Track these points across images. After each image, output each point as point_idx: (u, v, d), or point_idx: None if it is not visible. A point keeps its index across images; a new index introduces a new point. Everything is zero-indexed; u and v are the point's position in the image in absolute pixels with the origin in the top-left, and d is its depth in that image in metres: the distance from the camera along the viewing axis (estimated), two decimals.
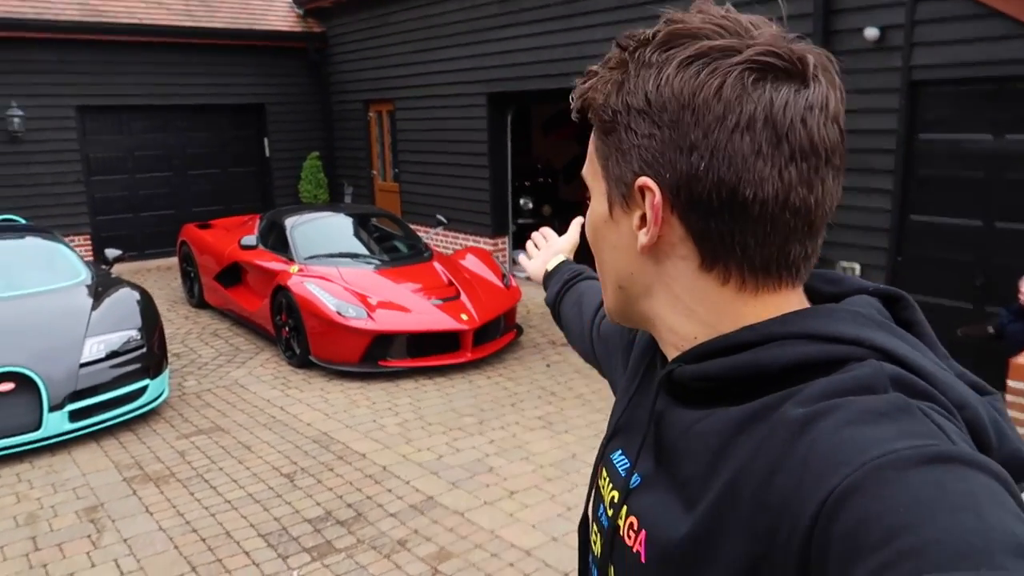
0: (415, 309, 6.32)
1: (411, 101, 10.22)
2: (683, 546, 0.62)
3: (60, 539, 3.76)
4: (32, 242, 6.14)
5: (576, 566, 1.02)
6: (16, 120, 9.51)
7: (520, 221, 10.75)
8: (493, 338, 6.60)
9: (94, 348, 5.04)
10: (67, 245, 6.25)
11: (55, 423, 4.74)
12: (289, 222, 7.39)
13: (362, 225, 8.01)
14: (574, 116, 0.74)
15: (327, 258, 6.98)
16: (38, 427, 4.68)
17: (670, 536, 0.64)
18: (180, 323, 7.89)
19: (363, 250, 7.39)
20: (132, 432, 5.12)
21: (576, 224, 1.44)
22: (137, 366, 5.20)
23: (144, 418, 5.33)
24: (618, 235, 0.71)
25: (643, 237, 0.67)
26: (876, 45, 5.49)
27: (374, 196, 11.54)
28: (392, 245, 7.69)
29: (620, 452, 0.80)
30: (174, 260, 9.57)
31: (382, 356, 6.16)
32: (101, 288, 5.67)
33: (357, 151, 11.68)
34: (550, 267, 1.43)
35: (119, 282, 5.90)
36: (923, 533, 0.45)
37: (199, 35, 10.66)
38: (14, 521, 3.94)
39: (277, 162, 11.90)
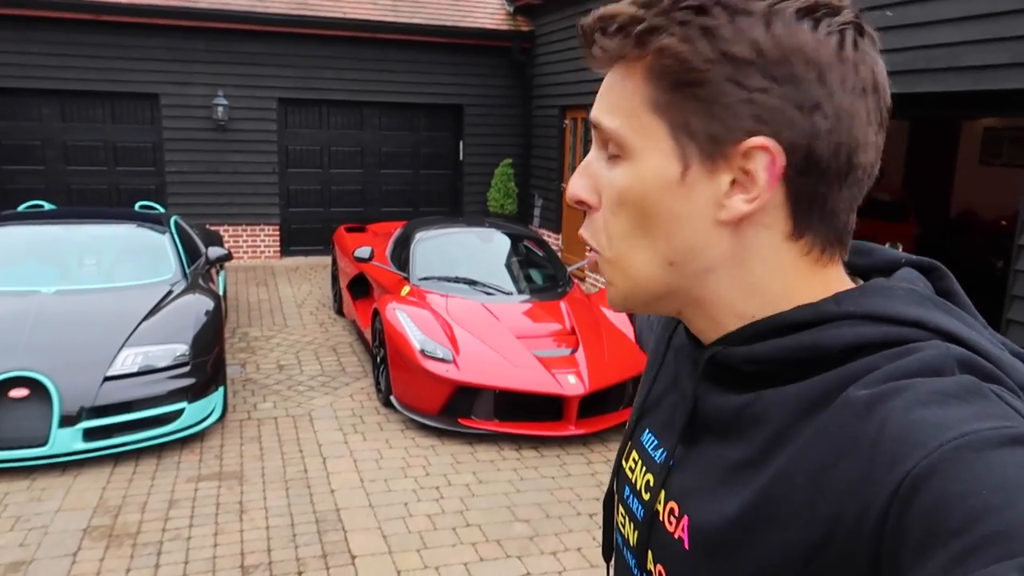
0: (514, 360, 5.12)
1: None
2: (731, 532, 0.61)
3: None
4: (132, 231, 5.87)
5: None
6: (220, 109, 9.78)
7: None
8: (613, 409, 5.19)
9: (128, 360, 4.51)
10: (174, 238, 5.89)
11: (64, 440, 4.25)
12: (419, 236, 6.56)
13: (500, 247, 6.93)
14: (600, 60, 0.65)
15: (441, 281, 6.03)
16: (45, 442, 4.22)
17: (716, 522, 0.63)
18: (312, 330, 7.42)
19: (487, 277, 6.29)
20: (156, 460, 4.53)
21: None
22: (176, 386, 4.60)
23: (183, 443, 4.73)
24: (687, 203, 0.63)
25: (742, 204, 0.62)
26: None
27: (561, 210, 10.46)
28: (527, 274, 6.54)
29: (649, 434, 0.79)
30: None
31: (465, 412, 5.05)
32: (178, 292, 5.20)
33: (550, 161, 10.67)
34: None
35: (199, 287, 5.40)
36: (1009, 516, 0.44)
37: (403, 31, 10.31)
38: None
39: (470, 167, 11.28)
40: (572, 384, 4.96)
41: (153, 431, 4.54)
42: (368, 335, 6.25)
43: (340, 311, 7.90)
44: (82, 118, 9.74)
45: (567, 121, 10.21)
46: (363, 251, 6.44)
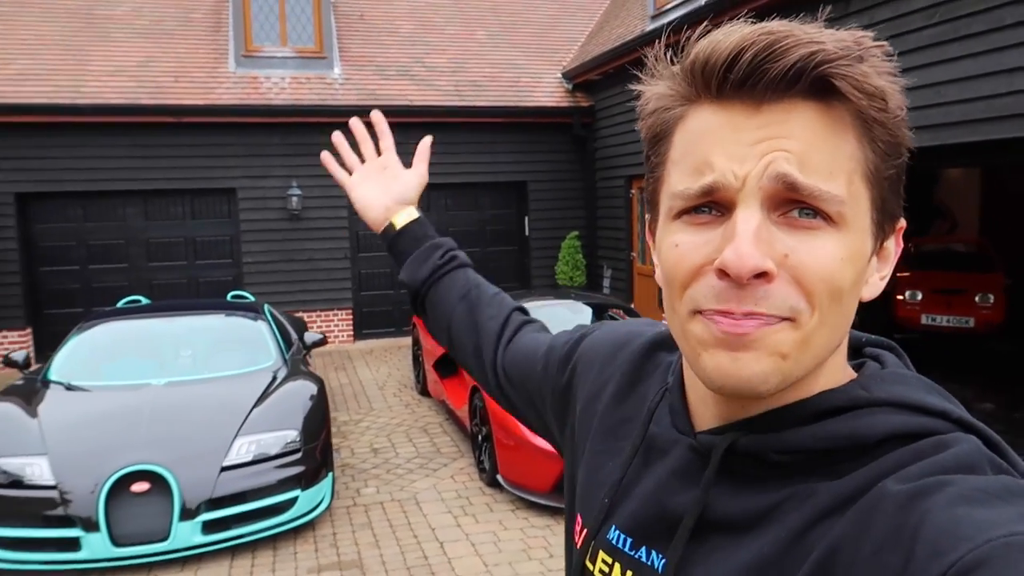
0: None
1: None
2: None
3: None
4: (231, 321, 5.95)
5: None
6: (295, 199, 10.05)
7: None
8: None
9: (243, 449, 4.47)
10: (271, 325, 5.95)
11: (185, 534, 4.19)
12: None
13: (595, 317, 6.86)
14: (770, 90, 0.57)
15: None
16: (166, 537, 4.16)
17: None
18: (398, 412, 7.36)
19: None
20: (273, 551, 4.43)
21: (426, 148, 1.25)
22: (289, 473, 4.54)
23: (296, 533, 4.63)
24: (863, 281, 0.62)
25: (879, 283, 0.64)
26: None
27: (632, 280, 10.38)
28: None
29: (618, 532, 0.72)
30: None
31: None
32: (280, 378, 5.20)
33: (617, 231, 10.66)
34: (398, 220, 1.17)
35: (301, 372, 5.40)
36: None
37: (467, 114, 10.57)
38: None
39: (536, 241, 11.34)
40: None
41: (269, 521, 4.45)
42: (464, 413, 6.15)
43: (424, 391, 7.83)
44: (163, 215, 10.09)
45: (633, 191, 10.24)
46: None
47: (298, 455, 4.60)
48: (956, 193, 11.35)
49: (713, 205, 0.59)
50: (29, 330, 9.56)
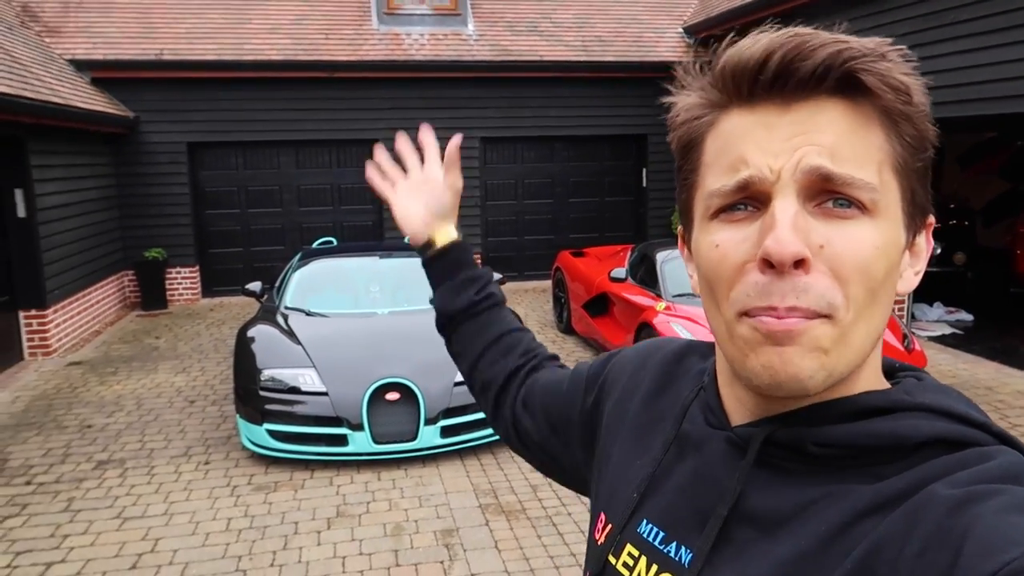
0: None
1: None
2: None
3: (417, 559, 3.87)
4: (414, 262, 6.69)
5: None
6: None
7: (927, 269, 9.21)
8: None
9: None
10: None
11: (429, 436, 5.02)
12: (660, 256, 7.13)
13: None
14: (801, 87, 0.58)
15: (696, 297, 6.52)
16: (415, 438, 4.99)
17: None
18: (547, 347, 8.09)
19: None
20: (493, 456, 5.23)
21: (454, 153, 1.11)
22: None
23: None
24: (898, 273, 0.62)
25: (913, 278, 0.64)
26: None
27: None
28: None
29: (650, 525, 0.71)
30: (548, 283, 9.97)
31: None
32: None
33: None
34: (438, 239, 1.11)
35: None
36: None
37: (593, 69, 11.05)
38: (383, 529, 4.18)
39: (653, 193, 11.85)
40: None
41: (490, 430, 5.25)
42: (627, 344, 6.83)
43: (568, 330, 8.55)
44: (313, 164, 10.94)
45: None
46: (619, 271, 7.08)
47: None
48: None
49: (749, 201, 0.60)
50: (198, 267, 10.61)
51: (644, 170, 11.87)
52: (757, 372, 0.60)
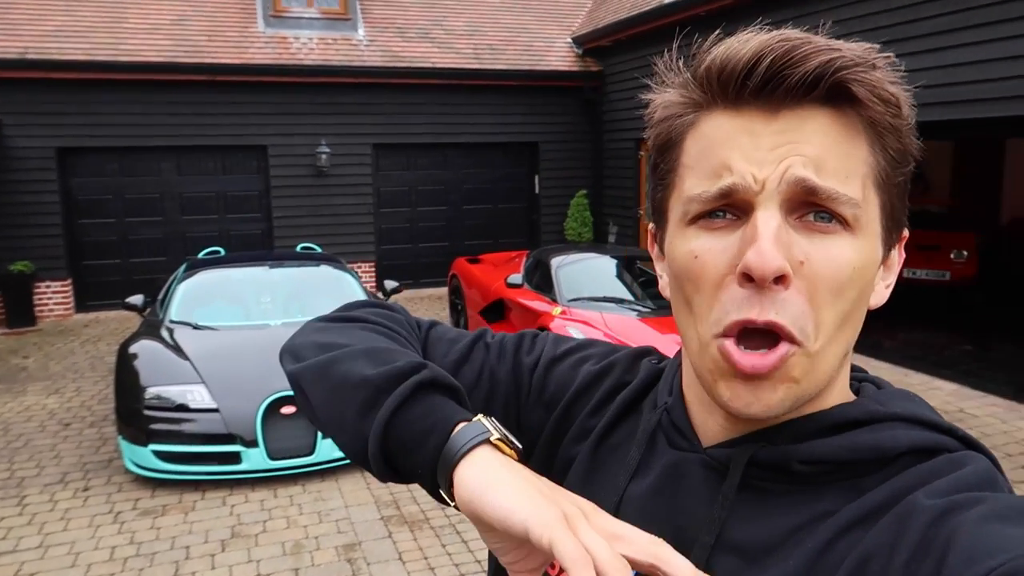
0: None
1: None
2: None
3: (319, 575, 3.78)
4: (323, 270, 6.57)
5: None
6: (323, 156, 10.54)
7: None
8: None
9: None
10: (352, 274, 6.61)
11: (327, 450, 4.90)
12: (555, 262, 7.26)
13: (627, 268, 7.65)
14: (789, 95, 0.57)
15: (591, 301, 6.72)
16: (312, 452, 4.87)
17: None
18: None
19: (628, 295, 7.01)
20: None
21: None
22: None
23: None
24: (872, 286, 0.61)
25: (884, 292, 0.64)
26: None
27: (639, 236, 11.20)
28: (657, 291, 7.24)
29: None
30: (445, 291, 9.96)
31: None
32: None
33: (625, 190, 11.43)
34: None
35: None
36: None
37: (484, 76, 11.12)
38: (282, 548, 4.05)
39: (545, 199, 12.04)
40: None
41: None
42: None
43: None
44: (196, 171, 10.49)
45: (642, 152, 10.99)
46: (515, 277, 7.16)
47: None
48: (929, 161, 12.37)
49: (729, 209, 0.59)
50: (70, 280, 9.96)
51: (536, 177, 12.05)
52: (726, 401, 0.59)
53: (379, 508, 4.51)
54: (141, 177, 10.26)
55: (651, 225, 0.70)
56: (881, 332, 7.91)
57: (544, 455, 0.80)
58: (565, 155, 12.00)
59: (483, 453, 0.61)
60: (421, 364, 0.71)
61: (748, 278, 0.56)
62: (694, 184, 0.60)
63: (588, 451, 0.76)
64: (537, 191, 12.09)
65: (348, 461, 5.01)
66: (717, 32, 0.62)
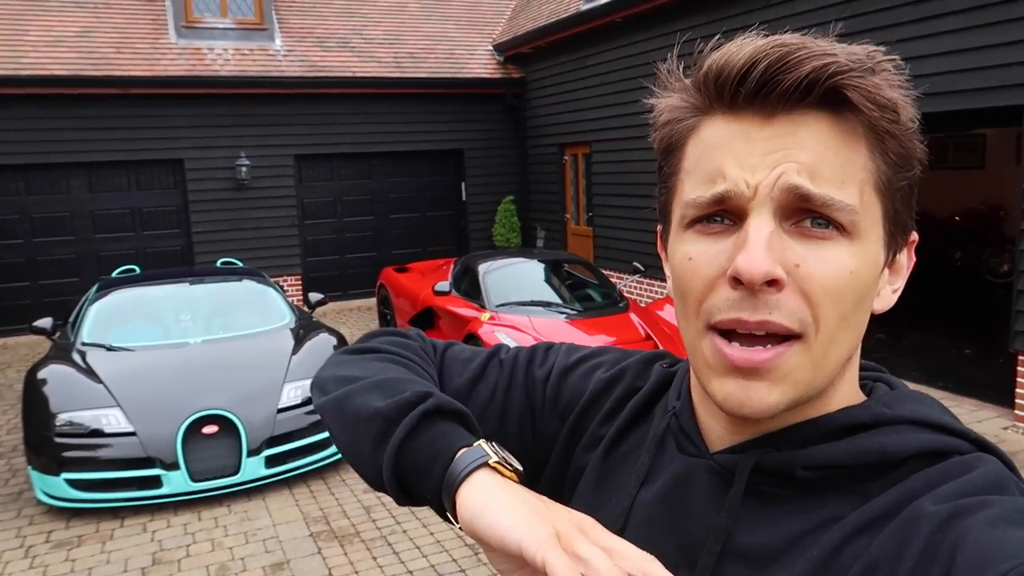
0: None
1: (607, 144, 9.91)
2: None
3: None
4: (244, 285, 6.42)
5: None
6: (243, 169, 10.30)
7: None
8: None
9: (291, 393, 5.07)
10: (275, 288, 6.48)
11: (252, 468, 4.78)
12: (482, 268, 7.27)
13: (555, 272, 7.72)
14: (783, 101, 0.57)
15: (519, 306, 6.75)
16: (237, 471, 4.74)
17: None
18: None
19: (556, 298, 7.08)
20: (323, 481, 5.07)
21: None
22: None
23: (335, 466, 5.28)
24: (875, 293, 0.61)
25: (891, 296, 0.63)
26: None
27: (566, 240, 11.31)
28: (586, 294, 7.33)
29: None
30: (374, 301, 9.85)
31: None
32: (302, 332, 5.77)
33: (551, 195, 11.54)
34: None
35: (319, 326, 5.99)
36: None
37: (406, 85, 11.07)
38: (206, 572, 3.93)
39: (473, 206, 12.05)
40: None
41: (316, 455, 5.09)
42: None
43: None
44: (108, 187, 10.11)
45: (566, 157, 11.12)
46: (443, 285, 7.13)
47: None
48: None
49: (725, 214, 0.59)
50: None
51: (463, 184, 12.05)
52: (719, 399, 0.59)
53: (308, 524, 4.42)
54: (50, 195, 9.83)
55: (659, 227, 0.71)
56: None
57: (558, 463, 0.81)
58: (491, 162, 12.04)
59: (482, 476, 0.63)
60: (427, 393, 0.72)
61: (738, 281, 0.56)
62: (691, 189, 0.61)
63: (599, 459, 0.76)
64: (464, 198, 12.09)
65: (276, 479, 4.91)
66: (717, 36, 0.62)
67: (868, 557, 0.54)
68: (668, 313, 6.83)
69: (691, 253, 0.60)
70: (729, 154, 0.58)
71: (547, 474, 0.81)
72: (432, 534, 4.25)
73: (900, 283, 0.64)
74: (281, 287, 8.66)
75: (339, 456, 5.27)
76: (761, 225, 0.56)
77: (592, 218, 10.55)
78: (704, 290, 0.59)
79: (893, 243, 0.61)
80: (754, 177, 0.57)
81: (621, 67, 9.41)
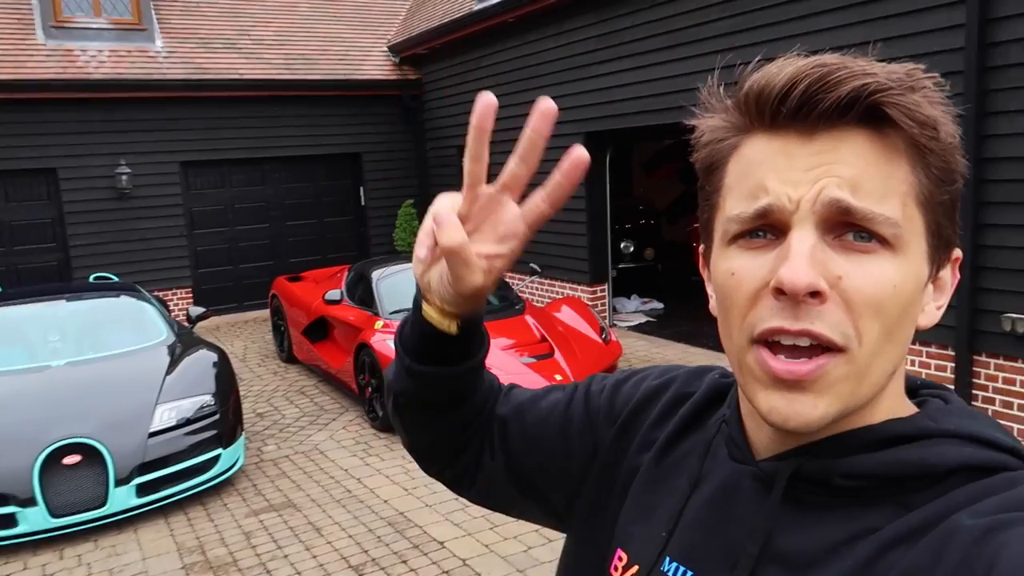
0: (503, 368, 5.78)
1: (506, 144, 9.77)
2: None
3: None
4: (116, 301, 6.04)
5: None
6: (124, 177, 9.75)
7: (621, 266, 10.17)
8: None
9: (165, 415, 4.77)
10: (153, 303, 6.11)
11: (121, 498, 4.47)
12: (376, 275, 7.07)
13: None
14: (822, 117, 0.57)
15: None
16: (104, 503, 4.41)
17: None
18: (268, 379, 7.68)
19: None
20: (202, 506, 4.79)
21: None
22: (209, 434, 4.90)
23: (217, 489, 5.00)
24: (919, 307, 0.61)
25: (936, 312, 0.63)
26: None
27: None
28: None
29: (674, 564, 0.68)
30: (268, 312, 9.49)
31: None
32: (180, 349, 5.46)
33: None
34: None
35: (198, 342, 5.68)
36: None
37: (298, 87, 10.74)
38: None
39: (373, 211, 11.79)
40: (560, 380, 5.71)
41: (195, 480, 4.81)
42: (345, 371, 6.67)
43: (291, 358, 8.19)
44: None
45: None
46: (333, 293, 6.89)
47: (216, 417, 4.96)
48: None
49: (768, 229, 0.60)
50: None
51: (362, 188, 11.78)
52: (764, 413, 0.60)
53: (182, 556, 4.15)
54: None
55: (701, 247, 0.71)
56: (698, 319, 8.35)
57: (606, 462, 0.83)
58: (390, 165, 11.81)
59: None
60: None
61: (781, 292, 0.57)
62: (734, 204, 0.62)
63: (652, 461, 0.78)
64: (363, 203, 11.82)
65: (146, 508, 4.60)
66: (758, 59, 0.63)
67: (902, 569, 0.55)
68: (565, 315, 6.81)
69: (734, 268, 0.61)
70: (771, 170, 0.59)
71: (594, 472, 0.84)
72: (315, 557, 4.06)
73: (944, 300, 0.64)
74: (165, 302, 8.23)
75: (224, 477, 5.00)
76: (804, 237, 0.57)
77: None
78: (747, 303, 0.60)
79: (936, 257, 0.62)
80: (796, 191, 0.58)
81: (515, 67, 9.38)
